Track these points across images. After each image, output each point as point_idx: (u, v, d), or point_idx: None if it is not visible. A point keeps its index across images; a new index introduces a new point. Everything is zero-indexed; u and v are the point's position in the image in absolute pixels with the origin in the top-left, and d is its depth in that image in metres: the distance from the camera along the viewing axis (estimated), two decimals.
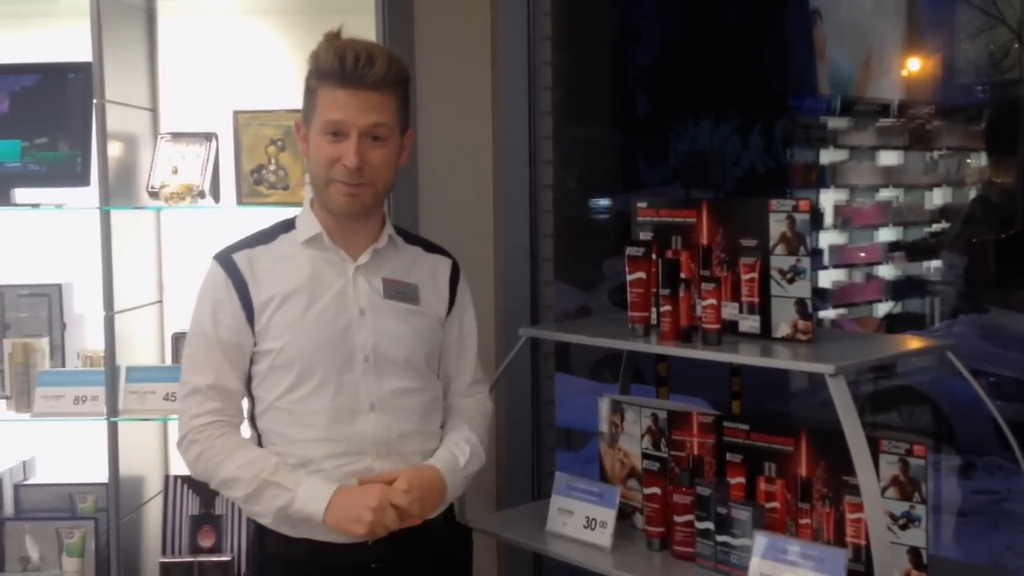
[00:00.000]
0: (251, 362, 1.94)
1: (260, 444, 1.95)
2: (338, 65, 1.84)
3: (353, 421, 1.91)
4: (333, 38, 1.89)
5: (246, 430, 1.99)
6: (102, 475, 2.61)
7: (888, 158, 5.79)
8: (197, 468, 1.93)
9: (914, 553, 1.90)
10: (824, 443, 1.97)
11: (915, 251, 5.60)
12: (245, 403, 1.99)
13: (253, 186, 2.67)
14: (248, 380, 1.96)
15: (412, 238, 2.09)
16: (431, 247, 2.09)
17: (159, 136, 2.77)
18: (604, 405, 2.35)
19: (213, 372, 1.92)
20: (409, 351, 1.96)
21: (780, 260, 2.05)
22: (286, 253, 1.95)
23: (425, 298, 2.01)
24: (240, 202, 2.67)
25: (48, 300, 2.76)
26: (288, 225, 2.00)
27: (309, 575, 1.92)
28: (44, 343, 2.72)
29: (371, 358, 1.92)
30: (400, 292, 1.97)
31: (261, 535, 1.96)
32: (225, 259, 1.95)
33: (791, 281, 2.04)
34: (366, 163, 1.86)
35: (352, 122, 1.85)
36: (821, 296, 5.47)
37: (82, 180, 2.68)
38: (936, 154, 5.68)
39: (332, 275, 1.93)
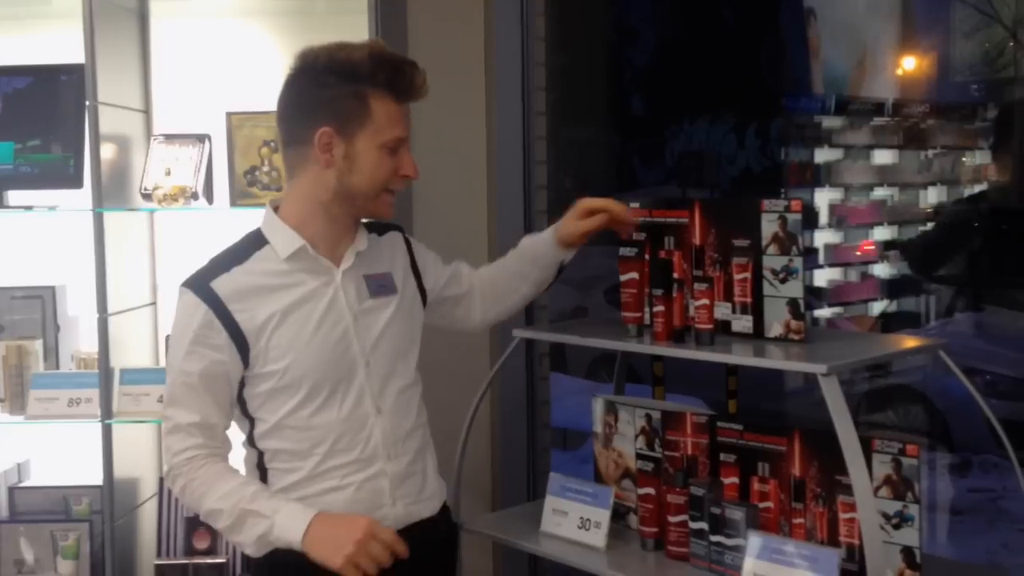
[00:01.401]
0: (242, 385, 1.89)
1: (262, 463, 1.92)
2: (414, 82, 1.86)
3: (364, 427, 1.90)
4: (384, 47, 1.89)
5: (240, 452, 1.95)
6: (96, 477, 2.62)
7: (883, 157, 5.81)
8: (184, 499, 1.91)
9: (907, 552, 1.90)
10: (817, 443, 1.97)
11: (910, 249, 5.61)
12: (234, 428, 1.95)
13: (246, 187, 2.67)
14: (241, 404, 1.91)
15: (366, 229, 2.04)
16: (381, 229, 2.06)
17: (152, 138, 2.77)
18: (598, 405, 2.34)
19: (194, 410, 1.86)
20: (401, 346, 1.96)
21: (772, 260, 2.05)
22: (267, 271, 1.88)
23: (398, 281, 2.00)
24: (233, 204, 2.67)
25: (42, 302, 2.76)
26: (258, 241, 1.91)
27: None
28: (38, 345, 2.72)
29: (371, 361, 1.91)
30: (381, 285, 1.96)
31: None
32: (202, 288, 1.85)
33: (783, 281, 2.04)
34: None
35: (407, 136, 1.90)
36: (816, 295, 5.47)
37: (75, 182, 2.68)
38: (931, 153, 5.69)
39: (321, 286, 1.90)
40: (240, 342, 1.84)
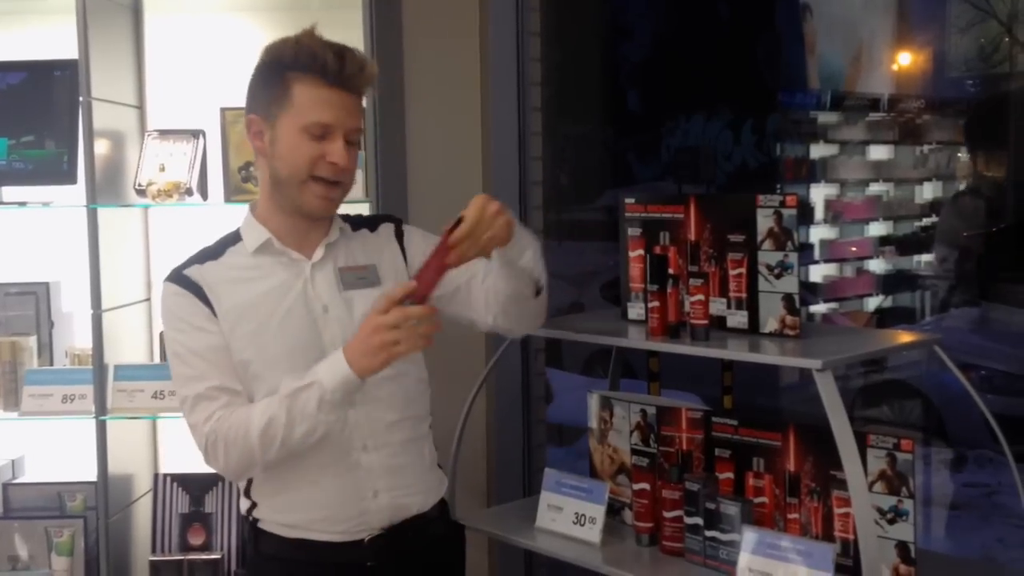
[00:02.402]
0: None
1: None
2: (327, 63, 1.82)
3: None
4: (312, 33, 1.87)
5: None
6: (91, 474, 2.61)
7: (878, 152, 5.81)
8: (231, 461, 1.84)
9: (902, 547, 1.90)
10: (812, 438, 1.97)
11: (905, 245, 5.62)
12: None
13: (241, 183, 2.66)
14: None
15: (357, 222, 2.04)
16: (374, 223, 2.05)
17: (146, 133, 2.76)
18: (593, 401, 2.35)
19: (211, 377, 1.85)
20: None
21: (768, 255, 2.05)
22: (237, 265, 1.90)
23: (385, 274, 1.97)
24: (228, 199, 2.66)
25: (36, 298, 2.76)
26: (234, 238, 1.95)
27: (305, 575, 1.91)
28: (32, 342, 2.72)
29: None
30: (360, 278, 1.94)
31: (256, 535, 1.95)
32: (178, 277, 1.90)
33: (779, 276, 2.04)
34: (348, 164, 1.86)
35: (340, 123, 1.84)
36: (811, 290, 5.48)
37: (69, 178, 2.67)
38: (926, 148, 5.70)
39: (290, 278, 1.90)
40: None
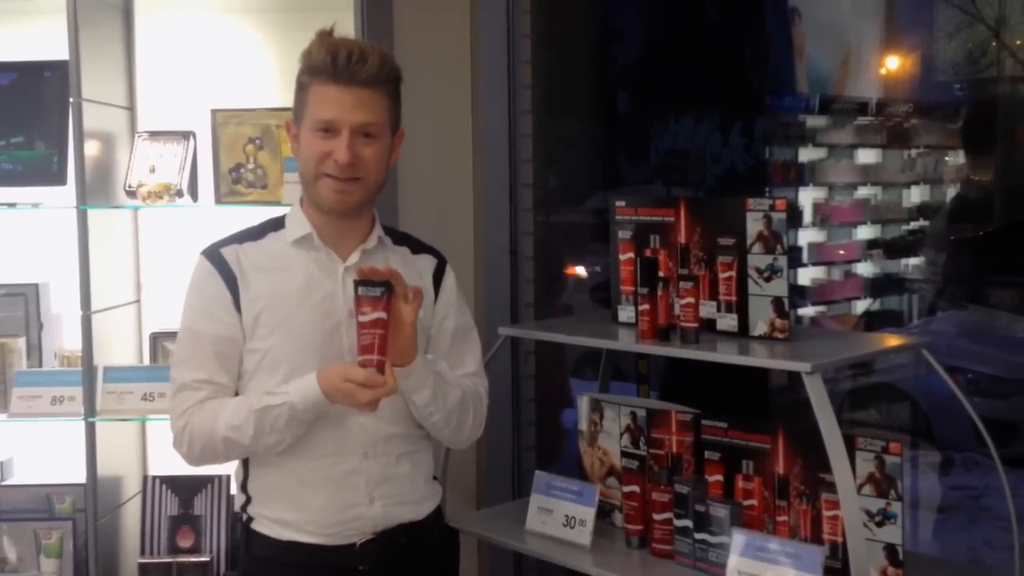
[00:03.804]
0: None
1: None
2: (330, 62, 1.83)
3: (340, 424, 1.90)
4: (326, 35, 1.88)
5: None
6: (80, 475, 2.60)
7: (866, 156, 5.83)
8: (194, 452, 1.90)
9: (890, 550, 1.91)
10: (801, 441, 1.98)
11: (893, 248, 5.63)
12: None
13: (231, 185, 2.66)
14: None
15: (400, 239, 2.06)
16: (418, 248, 2.07)
17: (136, 135, 2.75)
18: (583, 403, 2.35)
19: (201, 368, 1.89)
20: None
21: (757, 259, 2.06)
22: (275, 252, 1.93)
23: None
24: (218, 201, 2.66)
25: (25, 300, 2.75)
26: (277, 224, 1.98)
27: None
28: (21, 343, 2.71)
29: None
30: None
31: (248, 537, 1.96)
32: (213, 254, 1.93)
33: (768, 280, 2.05)
34: (358, 159, 1.86)
35: (344, 119, 1.85)
36: (800, 293, 5.49)
37: (59, 179, 2.67)
38: (914, 152, 5.72)
39: (321, 276, 1.91)
40: (239, 309, 1.89)
